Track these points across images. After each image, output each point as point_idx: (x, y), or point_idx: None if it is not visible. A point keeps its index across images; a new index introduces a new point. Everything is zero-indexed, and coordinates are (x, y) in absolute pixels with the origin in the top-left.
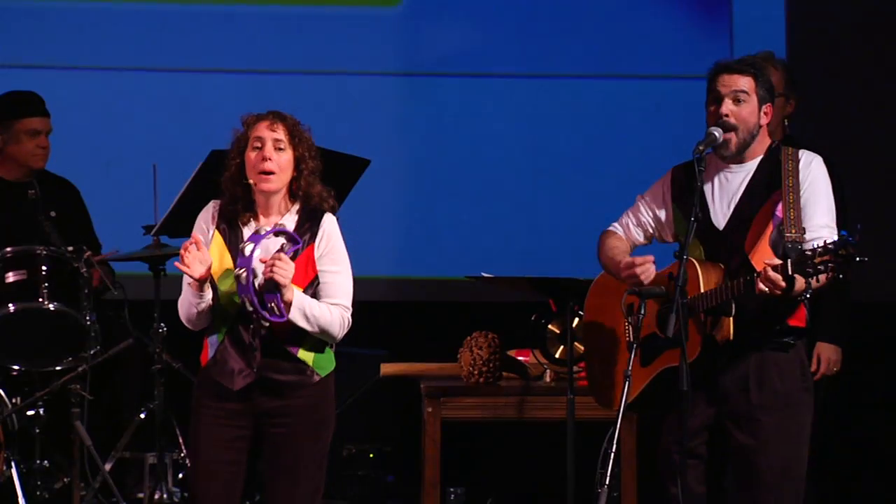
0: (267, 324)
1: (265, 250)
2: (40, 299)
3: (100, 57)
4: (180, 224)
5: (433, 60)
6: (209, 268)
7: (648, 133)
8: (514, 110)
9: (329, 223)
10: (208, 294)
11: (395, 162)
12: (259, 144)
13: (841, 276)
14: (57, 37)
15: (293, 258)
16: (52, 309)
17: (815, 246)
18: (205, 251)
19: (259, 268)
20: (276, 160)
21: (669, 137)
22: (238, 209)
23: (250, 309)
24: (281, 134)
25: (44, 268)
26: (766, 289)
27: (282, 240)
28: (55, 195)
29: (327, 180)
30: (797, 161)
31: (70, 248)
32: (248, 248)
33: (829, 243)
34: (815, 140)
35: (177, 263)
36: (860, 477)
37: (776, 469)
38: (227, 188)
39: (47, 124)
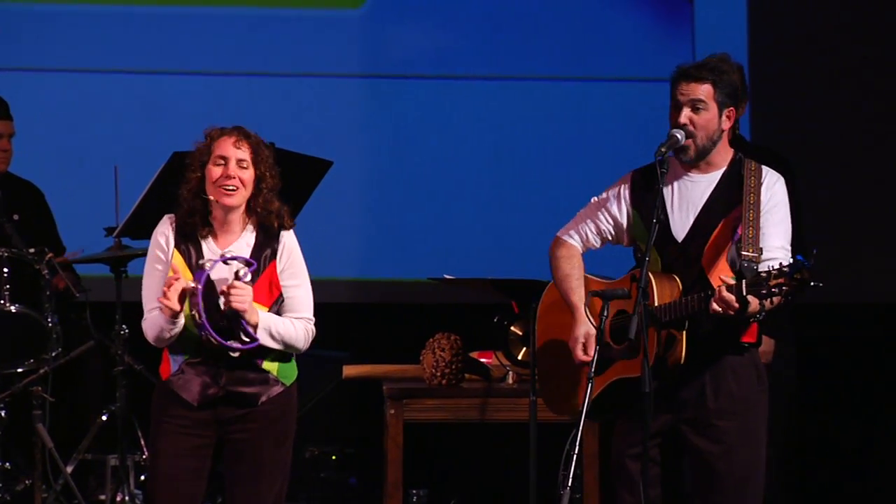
0: (236, 354)
1: (222, 278)
2: (1, 301)
3: (62, 59)
4: (142, 226)
5: (396, 62)
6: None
7: (611, 135)
8: (477, 112)
9: (288, 238)
10: (181, 320)
11: (357, 164)
12: (222, 161)
13: (791, 298)
14: (18, 39)
15: (254, 278)
16: (13, 311)
17: (771, 268)
18: (183, 282)
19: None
20: (238, 178)
21: (632, 139)
22: (196, 222)
23: (216, 344)
24: (245, 153)
25: (5, 270)
26: (720, 309)
27: (236, 265)
28: (18, 198)
29: (289, 182)
30: (760, 178)
31: (32, 251)
32: (197, 289)
33: (785, 266)
34: (776, 141)
35: (160, 300)
36: (839, 477)
37: (737, 473)
38: (185, 200)
39: (9, 127)
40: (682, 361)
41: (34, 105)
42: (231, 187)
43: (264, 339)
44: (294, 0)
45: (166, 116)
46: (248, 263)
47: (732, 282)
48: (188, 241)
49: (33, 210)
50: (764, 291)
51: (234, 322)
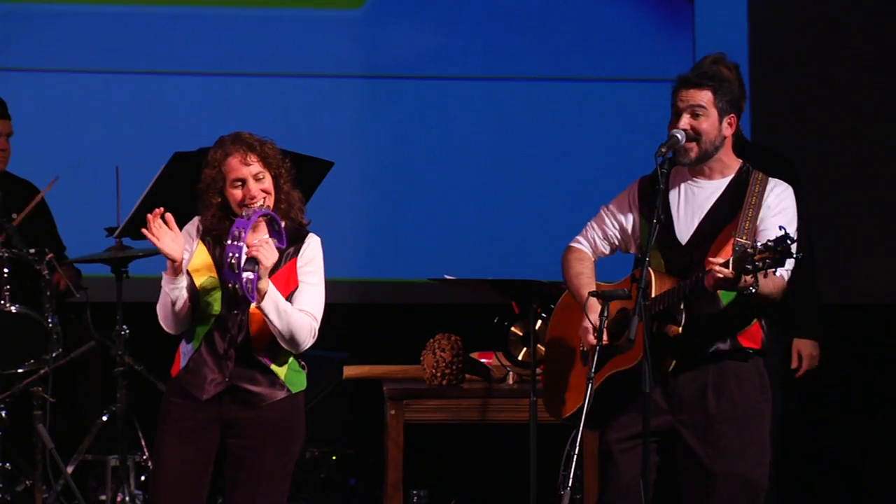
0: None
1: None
2: (2, 301)
3: (61, 59)
4: (143, 226)
5: (396, 63)
6: (182, 251)
7: (611, 135)
8: (477, 113)
9: (315, 242)
10: (182, 282)
11: (357, 164)
12: (240, 184)
13: (776, 271)
14: (18, 39)
15: (274, 270)
16: (13, 311)
17: (758, 244)
18: (176, 230)
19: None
20: (261, 191)
21: (632, 139)
22: (222, 234)
23: (238, 291)
24: (256, 164)
25: (5, 270)
26: (721, 275)
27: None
28: (17, 198)
29: None
30: (765, 186)
31: (32, 251)
32: (241, 234)
33: (770, 241)
34: (776, 141)
35: (144, 230)
36: (839, 477)
37: (733, 479)
38: (209, 221)
39: (8, 127)
40: (681, 332)
41: (34, 105)
42: (258, 205)
43: (268, 309)
44: (294, 0)
45: (166, 116)
46: (278, 235)
47: (721, 259)
48: (215, 240)
49: (33, 210)
50: (749, 266)
51: (246, 273)
